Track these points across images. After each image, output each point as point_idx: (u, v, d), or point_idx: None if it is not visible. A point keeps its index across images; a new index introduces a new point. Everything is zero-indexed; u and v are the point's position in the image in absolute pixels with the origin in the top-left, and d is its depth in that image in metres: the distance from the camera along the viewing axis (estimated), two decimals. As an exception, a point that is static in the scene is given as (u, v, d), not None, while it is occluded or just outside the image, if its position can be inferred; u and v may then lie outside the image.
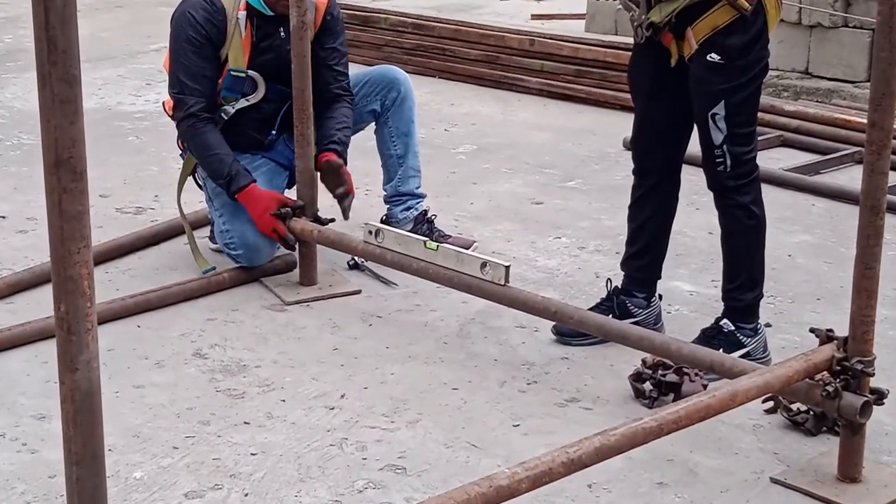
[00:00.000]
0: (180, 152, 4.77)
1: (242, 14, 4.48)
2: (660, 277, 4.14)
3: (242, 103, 4.55)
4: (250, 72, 4.52)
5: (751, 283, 3.89)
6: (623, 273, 4.15)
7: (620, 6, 4.02)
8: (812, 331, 3.20)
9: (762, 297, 3.93)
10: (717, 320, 3.93)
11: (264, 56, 4.53)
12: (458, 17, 8.61)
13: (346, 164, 4.53)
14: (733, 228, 3.88)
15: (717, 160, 3.78)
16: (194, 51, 4.42)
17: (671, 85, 3.86)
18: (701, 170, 3.88)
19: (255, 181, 4.42)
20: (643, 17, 3.79)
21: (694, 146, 3.93)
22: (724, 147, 3.75)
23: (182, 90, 4.44)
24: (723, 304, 3.95)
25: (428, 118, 6.75)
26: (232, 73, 4.49)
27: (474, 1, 11.17)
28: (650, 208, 4.06)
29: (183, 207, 4.67)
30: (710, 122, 3.74)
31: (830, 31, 7.82)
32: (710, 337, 3.87)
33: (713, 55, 3.70)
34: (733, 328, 3.88)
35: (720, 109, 3.72)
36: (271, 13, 4.49)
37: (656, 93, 3.92)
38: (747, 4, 3.64)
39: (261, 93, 4.56)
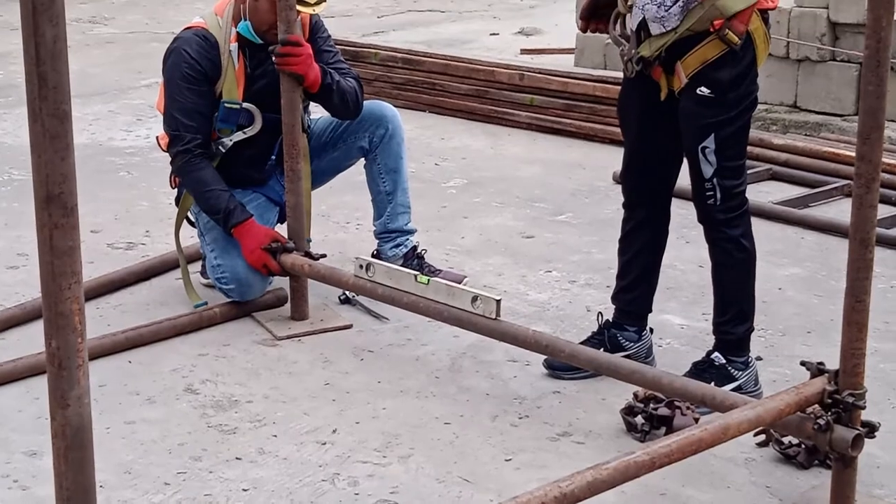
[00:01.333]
0: (174, 189, 4.76)
1: (234, 46, 4.50)
2: (650, 311, 4.15)
3: (239, 136, 4.55)
4: (245, 104, 4.53)
5: (741, 317, 3.90)
6: (614, 306, 4.15)
7: (610, 41, 4.04)
8: (803, 364, 3.20)
9: (753, 330, 3.94)
10: (709, 353, 3.93)
11: (258, 84, 4.54)
12: (448, 52, 8.64)
13: (323, 85, 4.46)
14: (724, 262, 3.89)
15: (707, 193, 3.79)
16: (189, 87, 4.43)
17: (661, 119, 3.88)
18: (691, 203, 3.89)
19: (252, 216, 4.43)
20: (633, 51, 3.81)
21: (684, 179, 3.94)
22: (714, 180, 3.76)
23: (177, 127, 4.44)
24: (714, 337, 3.95)
25: (418, 152, 6.76)
26: (226, 104, 4.49)
27: (464, 36, 11.21)
28: (640, 242, 4.07)
29: (183, 241, 4.68)
30: (701, 155, 3.75)
31: (818, 65, 7.85)
32: (702, 370, 3.87)
33: (703, 89, 3.72)
34: (724, 361, 3.88)
35: (710, 143, 3.74)
36: (261, 41, 4.50)
37: (646, 126, 3.93)
38: (737, 39, 3.66)
39: (258, 125, 4.57)
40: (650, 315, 4.15)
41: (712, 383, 3.62)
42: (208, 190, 4.43)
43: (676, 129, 3.84)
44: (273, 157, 4.68)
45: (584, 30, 4.07)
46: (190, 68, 4.43)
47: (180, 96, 4.44)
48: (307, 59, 4.35)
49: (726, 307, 3.91)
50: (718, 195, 3.78)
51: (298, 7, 4.37)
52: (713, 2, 3.64)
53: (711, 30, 3.67)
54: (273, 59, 4.34)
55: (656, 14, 3.72)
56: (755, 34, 3.73)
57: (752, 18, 3.70)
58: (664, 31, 3.72)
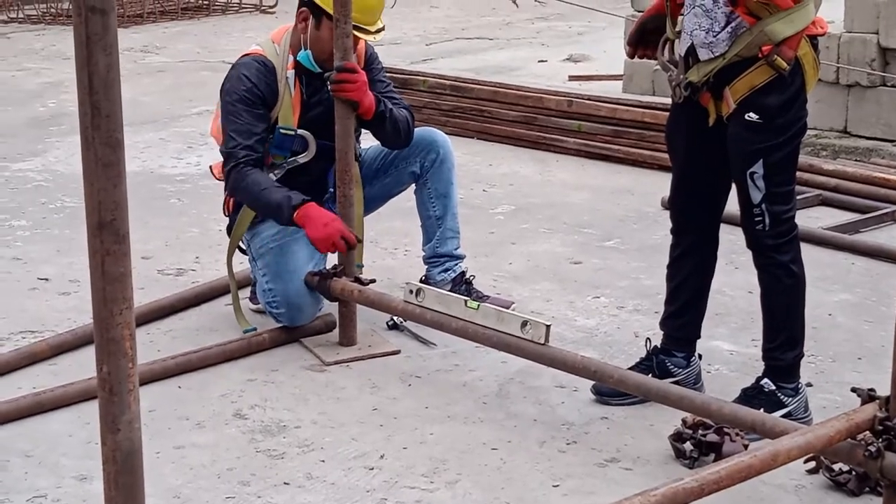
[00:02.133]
0: (227, 216, 4.79)
1: (291, 73, 4.54)
2: (699, 337, 4.13)
3: (293, 162, 4.58)
4: (300, 130, 4.57)
5: (791, 343, 3.88)
6: (662, 332, 4.14)
7: (658, 67, 4.04)
8: (853, 390, 3.18)
9: (803, 356, 3.92)
10: (758, 380, 3.92)
11: (314, 111, 4.58)
12: (496, 79, 8.65)
13: (377, 112, 4.51)
14: (773, 287, 3.87)
15: (756, 219, 3.78)
16: (246, 109, 4.47)
17: (709, 144, 3.87)
18: (740, 228, 3.88)
19: (312, 200, 4.42)
20: (681, 77, 3.81)
21: (732, 205, 3.93)
22: (763, 206, 3.75)
23: (234, 147, 4.45)
24: (763, 363, 3.93)
25: (466, 179, 6.77)
26: (281, 130, 4.53)
27: (512, 63, 11.22)
28: (689, 267, 4.06)
29: (234, 267, 4.71)
30: (749, 180, 3.75)
31: (868, 90, 7.81)
32: (751, 396, 3.85)
33: (751, 114, 3.71)
34: (774, 388, 3.86)
35: (759, 168, 3.73)
36: (319, 70, 4.54)
37: (694, 152, 3.93)
38: (785, 64, 3.65)
39: (312, 151, 4.60)
40: (699, 341, 4.14)
41: (762, 409, 3.60)
42: (264, 189, 4.42)
43: (724, 155, 3.83)
44: (332, 189, 4.68)
45: (631, 56, 4.08)
46: (248, 91, 4.47)
47: (238, 117, 4.47)
48: (362, 87, 4.39)
49: (776, 333, 3.89)
50: (767, 221, 3.77)
51: (358, 34, 4.43)
52: (762, 28, 3.64)
53: (760, 55, 3.67)
54: (328, 85, 4.38)
55: (704, 40, 3.72)
56: (804, 60, 3.73)
57: (801, 44, 3.69)
58: (712, 56, 3.73)
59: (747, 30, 3.66)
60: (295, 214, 4.36)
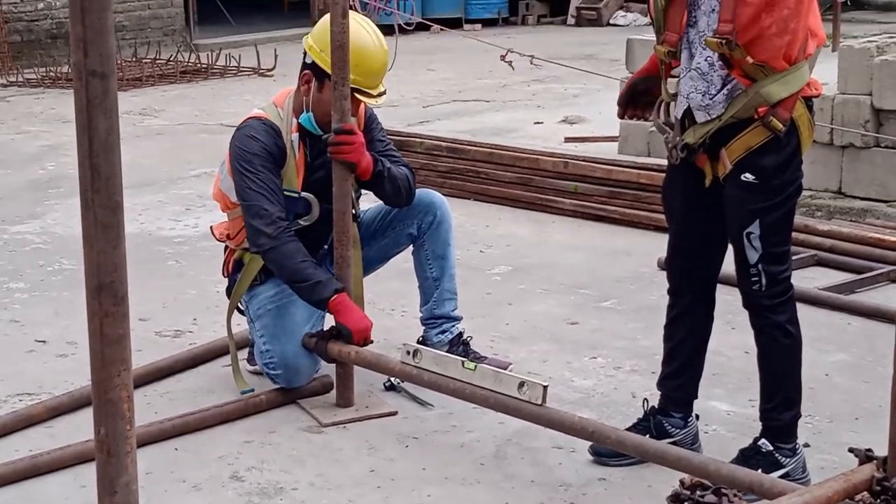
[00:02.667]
0: (226, 277, 4.81)
1: (295, 136, 4.57)
2: (696, 397, 4.13)
3: (296, 224, 4.59)
4: (304, 193, 4.59)
5: (788, 403, 3.88)
6: (659, 393, 4.14)
7: (654, 128, 4.07)
8: (851, 451, 3.18)
9: (800, 416, 3.92)
10: (756, 440, 3.91)
11: (317, 174, 4.61)
12: (493, 141, 8.69)
13: (375, 172, 4.54)
14: (769, 348, 3.88)
15: (753, 279, 3.79)
16: (264, 165, 4.47)
17: (705, 205, 3.89)
18: (736, 289, 3.89)
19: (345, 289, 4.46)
20: (677, 138, 3.84)
21: (729, 265, 3.94)
22: (760, 266, 3.77)
23: (262, 204, 4.44)
24: (760, 423, 3.93)
25: (463, 240, 6.79)
26: (285, 192, 4.55)
27: (508, 124, 11.28)
28: (686, 328, 4.07)
29: (232, 328, 4.71)
30: (745, 241, 3.76)
31: (863, 151, 7.84)
32: (749, 457, 3.84)
33: (747, 175, 3.73)
34: (772, 448, 3.85)
35: (755, 229, 3.74)
36: (320, 132, 4.57)
37: (691, 213, 3.95)
38: (781, 126, 3.67)
39: (315, 214, 4.62)
40: (696, 401, 4.13)
41: (759, 470, 3.60)
42: (303, 261, 4.43)
43: (721, 216, 3.85)
44: (326, 246, 4.72)
45: (621, 116, 4.12)
46: (262, 149, 4.49)
47: (257, 176, 4.47)
48: (360, 148, 4.42)
49: (773, 393, 3.89)
50: (763, 281, 3.78)
51: (361, 98, 4.49)
52: (757, 89, 3.67)
53: (756, 117, 3.69)
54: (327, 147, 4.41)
55: (701, 102, 3.75)
56: (799, 121, 3.75)
57: (796, 106, 3.72)
58: (709, 118, 3.75)
59: (743, 92, 3.69)
60: (334, 298, 4.39)
